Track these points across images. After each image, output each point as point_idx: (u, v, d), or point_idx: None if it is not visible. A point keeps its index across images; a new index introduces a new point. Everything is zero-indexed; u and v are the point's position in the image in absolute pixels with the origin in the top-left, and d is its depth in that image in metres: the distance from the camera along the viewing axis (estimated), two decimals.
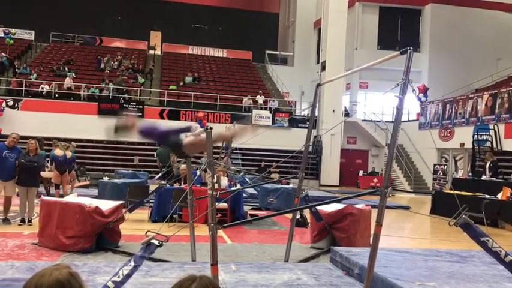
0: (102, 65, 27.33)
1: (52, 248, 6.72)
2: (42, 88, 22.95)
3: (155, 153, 16.50)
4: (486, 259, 5.52)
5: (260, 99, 25.42)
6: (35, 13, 31.23)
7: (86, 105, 22.70)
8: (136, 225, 8.79)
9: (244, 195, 11.62)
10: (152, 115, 23.01)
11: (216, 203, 3.94)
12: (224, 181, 11.04)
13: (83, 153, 18.96)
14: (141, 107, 23.07)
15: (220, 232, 8.24)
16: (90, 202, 7.03)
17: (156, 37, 33.49)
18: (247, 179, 13.85)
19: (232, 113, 23.68)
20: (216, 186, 4.93)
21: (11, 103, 21.90)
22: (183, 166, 11.02)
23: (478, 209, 9.94)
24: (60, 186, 11.70)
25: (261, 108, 24.80)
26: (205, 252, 4.91)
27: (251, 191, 13.74)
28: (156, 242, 3.52)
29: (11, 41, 26.81)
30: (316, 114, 22.18)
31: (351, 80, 26.97)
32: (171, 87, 25.81)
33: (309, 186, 16.82)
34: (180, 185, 10.51)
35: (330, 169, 23.09)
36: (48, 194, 12.13)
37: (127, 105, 22.87)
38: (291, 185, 13.27)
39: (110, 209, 6.89)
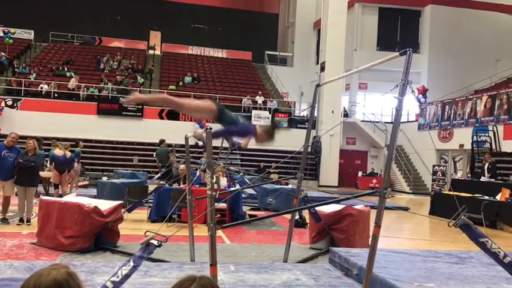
0: (101, 65, 27.33)
1: (51, 247, 6.71)
2: (42, 88, 22.94)
3: (154, 153, 16.49)
4: (485, 260, 5.52)
5: (259, 99, 25.42)
6: (35, 13, 31.22)
7: (85, 105, 22.70)
8: (135, 225, 8.79)
9: (243, 195, 11.61)
10: (151, 115, 23.04)
11: (215, 204, 3.94)
12: (223, 181, 11.04)
13: (82, 153, 18.89)
14: (140, 107, 23.07)
15: (219, 232, 8.25)
16: (89, 202, 7.03)
17: (155, 37, 33.49)
18: (246, 180, 13.84)
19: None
20: (215, 186, 4.92)
21: (10, 103, 21.89)
22: (182, 166, 11.02)
23: (477, 210, 9.95)
24: (59, 186, 11.69)
25: (261, 109, 24.81)
26: (204, 252, 4.92)
27: (250, 191, 13.73)
28: (155, 242, 3.52)
29: (11, 41, 26.79)
30: (316, 114, 22.18)
31: (350, 80, 26.99)
32: (170, 87, 25.81)
33: (308, 186, 16.82)
34: (179, 185, 10.51)
35: (329, 170, 23.09)
36: (47, 194, 12.12)
37: (126, 105, 22.85)
38: (290, 186, 13.26)
39: (108, 209, 6.89)
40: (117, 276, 3.33)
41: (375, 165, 25.30)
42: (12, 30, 28.06)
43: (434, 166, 19.54)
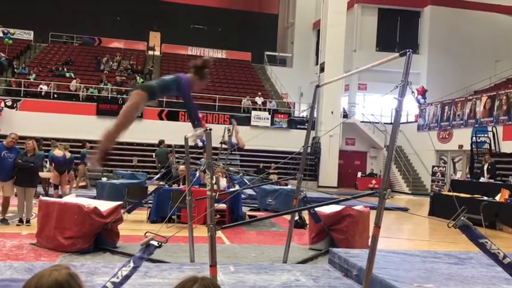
0: (101, 66, 27.32)
1: (50, 248, 6.71)
2: (41, 88, 22.94)
3: (154, 153, 16.48)
4: (484, 261, 5.53)
5: (259, 100, 25.43)
6: (34, 13, 31.19)
7: (84, 106, 22.69)
8: (135, 226, 8.79)
9: (242, 196, 11.62)
10: (151, 116, 23.01)
11: (215, 204, 3.94)
12: (223, 182, 11.04)
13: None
14: None
15: (219, 233, 8.24)
16: (89, 203, 7.03)
17: (155, 38, 33.49)
18: (246, 180, 13.85)
19: (231, 114, 23.68)
20: (215, 187, 4.93)
21: (9, 103, 21.88)
22: (181, 167, 11.02)
23: (476, 211, 9.95)
24: (59, 187, 11.69)
25: (260, 109, 24.81)
26: (204, 253, 4.91)
27: (250, 192, 13.73)
28: (155, 243, 3.52)
29: (10, 41, 26.78)
30: (315, 115, 22.19)
31: (350, 81, 27.01)
32: None
33: (308, 187, 16.83)
34: (179, 185, 10.51)
35: (329, 170, 23.10)
36: (46, 194, 12.12)
37: None
38: (289, 186, 13.27)
39: (108, 210, 6.89)
40: (117, 277, 3.33)
41: (374, 165, 25.32)
42: (11, 30, 28.06)
43: (433, 167, 19.55)
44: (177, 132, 16.77)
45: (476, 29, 26.13)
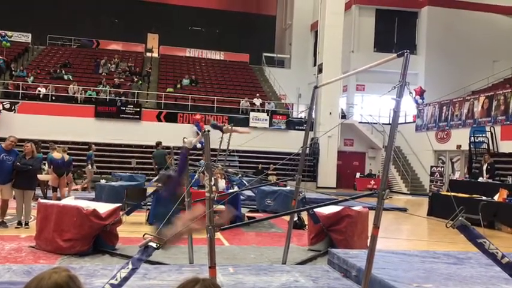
0: (100, 69, 27.29)
1: (49, 251, 6.71)
2: (39, 91, 22.91)
3: (152, 155, 16.48)
4: (483, 261, 5.54)
5: (257, 101, 25.43)
6: (32, 16, 31.15)
7: (83, 108, 22.65)
8: (133, 228, 8.79)
9: (241, 197, 11.62)
10: (149, 118, 23.03)
11: (214, 205, 3.94)
12: (221, 183, 11.05)
13: (80, 156, 18.86)
14: (138, 109, 23.08)
15: (218, 234, 8.22)
16: (88, 205, 7.03)
17: (153, 39, 33.49)
18: (244, 181, 13.85)
19: (230, 115, 23.69)
20: (214, 188, 4.92)
21: (7, 106, 21.84)
22: None
23: (474, 211, 9.96)
24: (58, 189, 11.67)
25: (258, 111, 24.82)
26: (203, 254, 4.92)
27: (248, 193, 13.73)
28: (154, 245, 3.53)
29: (8, 44, 26.73)
30: (313, 116, 22.20)
31: (348, 82, 27.04)
32: (168, 89, 25.80)
33: (306, 188, 16.81)
34: None
35: (327, 171, 23.11)
36: (45, 197, 12.10)
37: (124, 108, 22.85)
38: (288, 187, 13.27)
39: (107, 212, 6.89)
40: (116, 279, 3.33)
41: (373, 166, 25.33)
42: (9, 33, 27.99)
43: (432, 167, 19.58)
44: (175, 134, 16.79)
45: (473, 30, 26.18)
